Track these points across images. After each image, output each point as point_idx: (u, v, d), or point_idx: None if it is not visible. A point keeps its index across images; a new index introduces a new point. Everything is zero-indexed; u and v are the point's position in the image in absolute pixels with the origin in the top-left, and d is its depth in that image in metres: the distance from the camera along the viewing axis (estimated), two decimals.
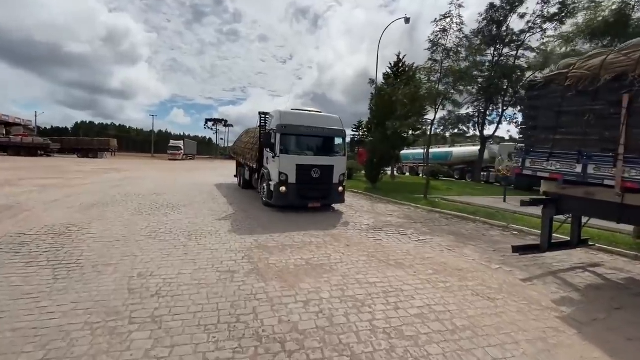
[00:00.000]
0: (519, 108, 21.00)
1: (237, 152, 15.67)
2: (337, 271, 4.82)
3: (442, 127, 22.34)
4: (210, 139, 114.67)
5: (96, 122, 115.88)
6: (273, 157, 9.31)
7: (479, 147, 24.57)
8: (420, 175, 32.52)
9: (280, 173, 9.08)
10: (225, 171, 27.77)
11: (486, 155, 25.29)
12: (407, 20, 18.06)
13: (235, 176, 17.29)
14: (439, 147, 31.36)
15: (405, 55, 22.19)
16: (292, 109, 9.89)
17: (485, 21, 20.89)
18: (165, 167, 30.00)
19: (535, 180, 5.40)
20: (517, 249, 5.30)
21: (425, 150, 30.92)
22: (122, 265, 4.71)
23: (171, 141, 56.63)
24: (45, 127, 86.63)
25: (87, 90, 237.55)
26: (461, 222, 9.13)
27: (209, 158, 76.20)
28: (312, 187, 9.38)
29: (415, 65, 22.24)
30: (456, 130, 23.26)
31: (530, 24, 20.95)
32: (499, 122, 22.11)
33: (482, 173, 25.46)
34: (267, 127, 10.75)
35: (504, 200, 13.35)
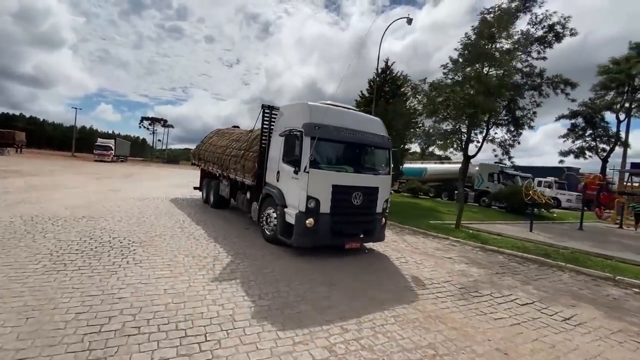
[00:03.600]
0: (507, 129, 20.30)
1: (206, 159, 11.83)
2: None
3: (422, 142, 20.67)
4: (144, 139, 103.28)
5: None
6: (295, 172, 6.06)
7: (458, 166, 23.62)
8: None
9: (308, 198, 5.86)
10: (174, 179, 22.99)
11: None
12: (410, 21, 16.13)
13: (197, 188, 13.33)
14: (411, 163, 30.21)
15: (394, 62, 20.37)
16: (321, 102, 6.75)
17: (476, 36, 20.00)
18: (93, 171, 23.86)
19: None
20: None
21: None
22: None
23: (99, 139, 47.93)
24: None
25: None
26: (544, 270, 6.83)
27: (143, 161, 67.24)
28: (351, 218, 6.32)
29: (404, 73, 20.64)
30: (435, 148, 21.88)
31: (515, 45, 20.61)
32: (483, 142, 21.20)
33: (455, 191, 24.64)
34: (271, 127, 7.50)
35: (530, 230, 11.70)
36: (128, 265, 4.89)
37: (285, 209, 6.31)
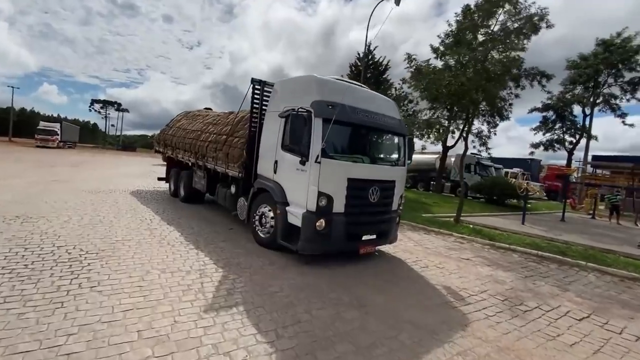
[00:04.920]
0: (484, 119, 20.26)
1: (174, 146, 10.16)
2: None
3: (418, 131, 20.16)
4: (95, 124, 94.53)
5: None
6: (302, 162, 4.89)
7: (435, 156, 23.48)
8: None
9: (319, 194, 4.73)
10: (132, 167, 20.61)
11: (437, 165, 24.48)
12: (397, 1, 15.16)
13: (163, 179, 11.60)
14: None
15: (376, 47, 19.45)
16: (332, 77, 5.56)
17: (458, 23, 19.56)
18: (34, 159, 20.67)
19: None
20: None
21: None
22: None
23: (42, 122, 42.61)
24: None
25: None
26: (567, 270, 6.30)
27: (95, 148, 61.38)
28: (367, 218, 5.28)
29: (387, 59, 19.80)
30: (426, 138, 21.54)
31: (491, 36, 20.48)
32: (461, 133, 21.07)
33: (431, 182, 24.73)
34: (263, 107, 6.21)
35: (522, 222, 11.47)
36: (81, 290, 3.49)
37: (288, 208, 5.13)
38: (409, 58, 11.04)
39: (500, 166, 25.38)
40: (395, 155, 5.96)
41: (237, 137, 6.71)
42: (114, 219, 6.74)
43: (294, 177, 5.10)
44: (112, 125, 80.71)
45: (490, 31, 11.59)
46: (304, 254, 4.97)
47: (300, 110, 4.88)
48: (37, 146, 36.42)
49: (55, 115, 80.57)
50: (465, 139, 11.52)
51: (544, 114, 22.33)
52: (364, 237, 5.28)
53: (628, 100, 20.91)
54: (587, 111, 22.34)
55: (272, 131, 5.68)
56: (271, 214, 5.48)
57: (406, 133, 6.07)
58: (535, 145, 23.05)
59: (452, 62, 14.24)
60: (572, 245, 8.17)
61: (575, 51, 24.88)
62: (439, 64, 18.06)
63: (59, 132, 40.48)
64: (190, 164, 9.14)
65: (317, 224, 4.74)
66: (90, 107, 76.96)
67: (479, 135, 21.27)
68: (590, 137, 22.42)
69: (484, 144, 20.97)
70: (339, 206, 4.88)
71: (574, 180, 24.60)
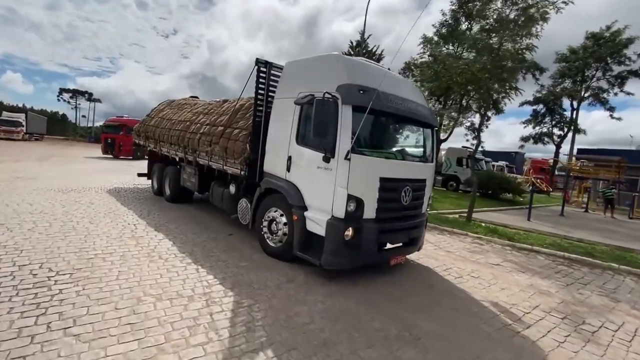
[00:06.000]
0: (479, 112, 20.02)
1: (157, 138, 9.03)
2: None
3: None
4: (64, 115, 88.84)
5: None
6: (326, 158, 4.06)
7: None
8: None
9: (349, 197, 3.93)
10: (108, 162, 19.00)
11: None
12: None
13: (144, 175, 10.45)
14: None
15: (370, 35, 18.63)
16: (359, 58, 4.72)
17: (453, 11, 19.07)
18: None
19: None
20: None
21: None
22: None
23: (5, 113, 39.35)
24: None
25: None
26: (601, 275, 5.84)
27: (65, 140, 57.58)
28: (399, 224, 4.53)
29: (379, 48, 19.04)
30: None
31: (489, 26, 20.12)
32: (454, 126, 20.77)
33: None
34: (269, 92, 5.31)
35: (528, 219, 11.14)
36: (51, 335, 2.57)
37: (306, 213, 4.31)
38: (424, 42, 10.34)
39: (490, 159, 25.41)
40: (425, 150, 5.21)
41: (238, 128, 5.77)
42: (90, 224, 5.70)
43: (314, 177, 4.28)
44: (84, 116, 76.52)
45: (504, 16, 11.05)
46: (328, 267, 4.18)
47: (325, 95, 4.02)
48: (1, 138, 33.60)
49: (20, 105, 75.23)
50: (478, 133, 11.01)
51: (534, 107, 22.41)
52: (394, 246, 4.56)
53: (615, 94, 21.25)
54: (576, 104, 22.58)
55: (283, 121, 4.82)
56: (284, 220, 4.65)
57: (437, 124, 5.34)
58: (525, 139, 23.17)
59: (444, 51, 13.78)
60: (592, 244, 7.80)
61: (553, 46, 25.31)
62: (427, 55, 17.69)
63: (24, 123, 37.54)
64: (178, 159, 8.11)
65: (346, 233, 3.96)
66: (58, 96, 72.46)
67: (471, 128, 21.03)
68: (576, 130, 22.71)
69: (477, 137, 20.77)
70: (369, 211, 4.11)
71: (568, 173, 24.96)
